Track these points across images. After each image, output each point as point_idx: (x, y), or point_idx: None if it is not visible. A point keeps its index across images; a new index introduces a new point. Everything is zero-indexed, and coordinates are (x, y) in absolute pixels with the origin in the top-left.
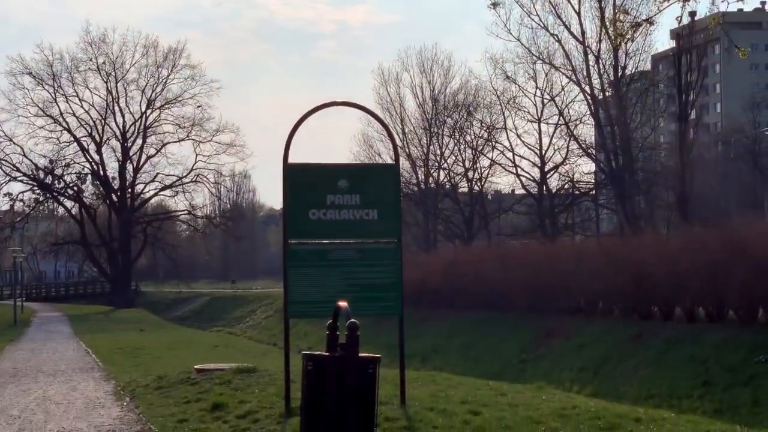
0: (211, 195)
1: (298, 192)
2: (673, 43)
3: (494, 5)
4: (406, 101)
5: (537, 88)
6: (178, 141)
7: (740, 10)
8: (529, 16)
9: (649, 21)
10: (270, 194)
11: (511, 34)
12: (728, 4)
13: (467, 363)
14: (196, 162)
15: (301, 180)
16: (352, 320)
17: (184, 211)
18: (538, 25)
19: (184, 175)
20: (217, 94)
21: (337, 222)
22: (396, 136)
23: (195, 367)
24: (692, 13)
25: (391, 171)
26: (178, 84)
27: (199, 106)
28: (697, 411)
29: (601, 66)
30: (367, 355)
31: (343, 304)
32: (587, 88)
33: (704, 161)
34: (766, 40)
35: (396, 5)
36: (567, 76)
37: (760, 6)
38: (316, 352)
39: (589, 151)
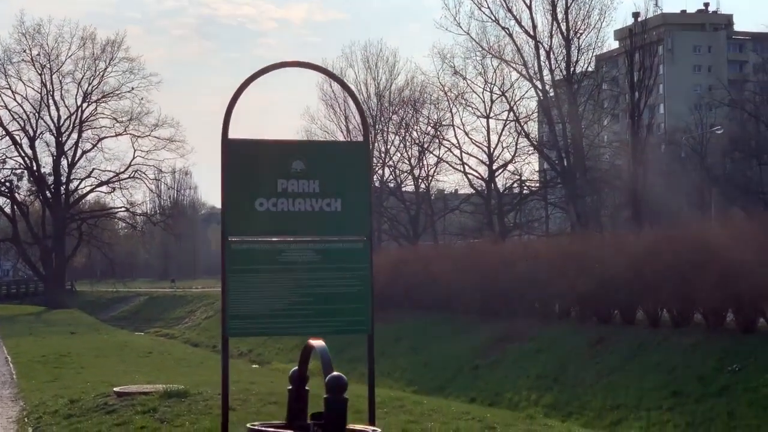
0: (150, 192)
1: (241, 176)
2: (616, 44)
3: None
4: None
5: (487, 83)
6: (116, 135)
7: (683, 12)
8: (479, 9)
9: None
10: (212, 192)
11: (460, 27)
12: None
13: (417, 368)
14: (134, 158)
15: (245, 160)
16: (336, 374)
17: (121, 208)
18: (489, 18)
19: (122, 171)
20: (157, 88)
21: (291, 214)
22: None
23: (115, 390)
24: (635, 14)
25: (360, 150)
26: (116, 77)
27: (141, 99)
28: (668, 424)
29: (552, 61)
30: None
31: (317, 343)
32: (538, 84)
33: (650, 161)
34: (708, 42)
35: (339, 3)
36: (518, 71)
37: (703, 8)
38: (270, 427)
39: (540, 148)
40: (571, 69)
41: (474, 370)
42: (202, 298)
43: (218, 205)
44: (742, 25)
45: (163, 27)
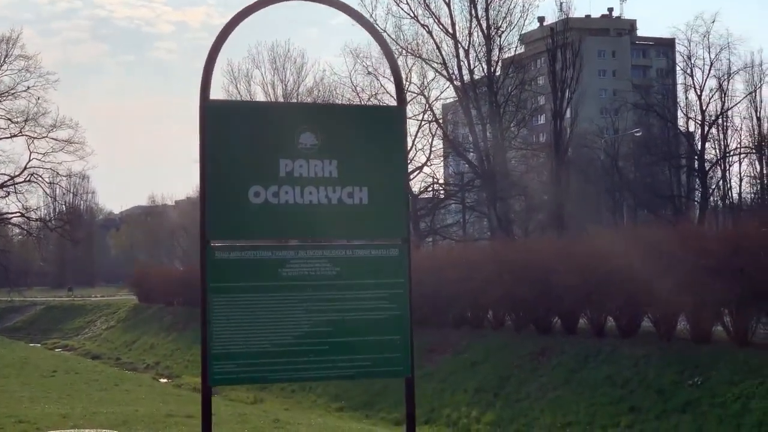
0: (46, 196)
1: (228, 154)
2: (523, 48)
3: None
4: (257, 99)
5: (409, 82)
6: (11, 137)
7: (587, 17)
8: (397, 5)
9: None
10: (110, 197)
11: (377, 24)
12: None
13: (342, 383)
14: (30, 160)
15: (234, 132)
16: None
17: (16, 213)
18: (407, 15)
19: (17, 174)
20: (54, 87)
21: (298, 209)
22: None
23: None
24: (541, 19)
25: (396, 118)
26: (11, 75)
27: (38, 99)
28: None
29: (471, 60)
30: None
31: None
32: (458, 83)
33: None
34: (613, 47)
35: (237, 7)
36: (436, 70)
37: (607, 13)
38: None
39: (459, 149)
40: (492, 68)
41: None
42: (102, 307)
43: (117, 210)
44: (645, 30)
45: (57, 29)
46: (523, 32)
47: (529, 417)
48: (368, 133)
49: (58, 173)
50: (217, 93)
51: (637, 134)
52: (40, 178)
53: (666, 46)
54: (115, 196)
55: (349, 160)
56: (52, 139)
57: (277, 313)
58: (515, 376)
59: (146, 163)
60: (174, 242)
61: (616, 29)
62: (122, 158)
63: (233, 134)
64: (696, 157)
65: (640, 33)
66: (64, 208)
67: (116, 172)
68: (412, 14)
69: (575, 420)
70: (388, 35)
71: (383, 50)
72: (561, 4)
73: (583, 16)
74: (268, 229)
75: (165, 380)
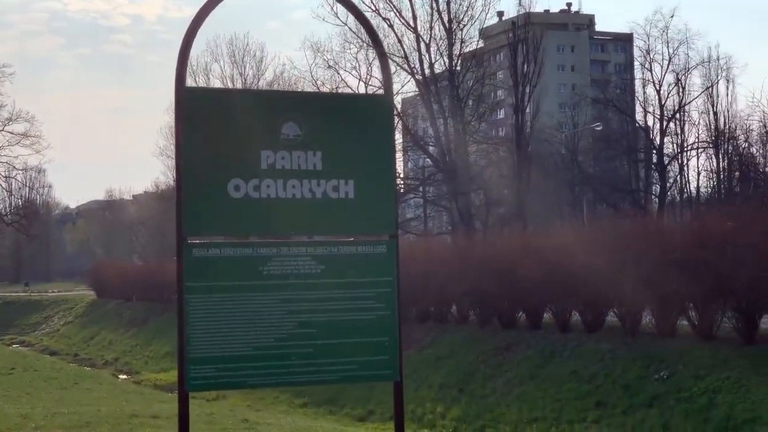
0: (2, 190)
1: (206, 145)
2: (482, 43)
3: None
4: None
5: (370, 75)
6: None
7: (546, 12)
8: None
9: None
10: (67, 191)
11: (338, 18)
12: None
13: None
14: None
15: (213, 121)
16: None
17: None
18: (369, 8)
19: None
20: (11, 80)
21: (281, 204)
22: None
23: None
24: (500, 13)
25: (382, 107)
26: None
27: None
28: None
29: (433, 54)
30: None
31: None
32: (419, 77)
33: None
34: (571, 42)
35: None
36: (398, 64)
37: (565, 8)
38: None
39: (420, 143)
40: (453, 62)
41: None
42: (59, 302)
43: (73, 204)
44: (603, 25)
45: (13, 21)
46: (483, 26)
47: (495, 413)
48: (354, 122)
49: (14, 167)
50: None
51: (598, 128)
52: None
53: (624, 41)
54: (71, 191)
55: (334, 152)
56: (8, 132)
57: (258, 313)
58: (480, 372)
59: (103, 157)
60: (132, 237)
61: (574, 24)
62: (79, 152)
63: (211, 124)
64: (655, 152)
65: (598, 28)
66: (20, 203)
67: (73, 166)
68: (373, 7)
69: (542, 415)
70: (349, 28)
71: (370, 37)
72: None
73: (542, 11)
74: (248, 224)
75: (124, 376)
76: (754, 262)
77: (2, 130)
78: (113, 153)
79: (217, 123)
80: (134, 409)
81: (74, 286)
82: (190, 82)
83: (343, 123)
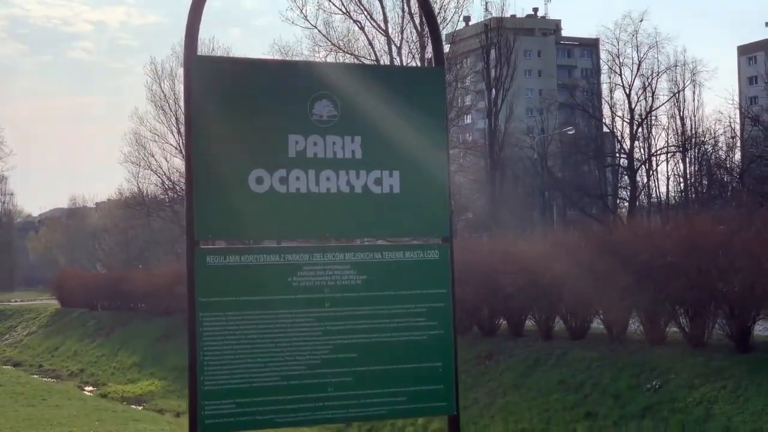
0: None
1: (223, 129)
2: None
3: None
4: (183, 98)
5: None
6: None
7: (513, 17)
8: (329, 0)
9: None
10: (29, 199)
11: (308, 20)
12: None
13: None
14: None
15: (229, 99)
16: None
17: None
18: (339, 10)
19: None
20: None
21: (313, 200)
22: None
23: None
24: (467, 18)
25: (434, 82)
26: None
27: None
28: None
29: (404, 56)
30: None
31: None
32: None
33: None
34: (538, 47)
35: (157, 7)
36: None
37: (532, 13)
38: None
39: None
40: (424, 65)
41: None
42: (23, 312)
43: (36, 212)
44: (569, 30)
45: None
46: (452, 30)
47: (479, 425)
48: (400, 101)
49: None
50: (140, 91)
51: (571, 132)
52: None
53: (590, 46)
54: (34, 199)
55: (377, 137)
56: None
57: (286, 335)
58: (462, 381)
59: (66, 165)
60: (96, 244)
61: (541, 29)
62: (42, 159)
63: (228, 103)
64: (625, 156)
65: (565, 33)
66: None
67: (35, 174)
68: (343, 9)
69: (529, 427)
70: (319, 31)
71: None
72: (486, 3)
73: (509, 15)
74: (274, 225)
75: (90, 388)
76: (748, 266)
77: None
78: (76, 160)
79: (234, 101)
80: (109, 430)
81: (37, 295)
82: (155, 87)
83: (386, 102)
